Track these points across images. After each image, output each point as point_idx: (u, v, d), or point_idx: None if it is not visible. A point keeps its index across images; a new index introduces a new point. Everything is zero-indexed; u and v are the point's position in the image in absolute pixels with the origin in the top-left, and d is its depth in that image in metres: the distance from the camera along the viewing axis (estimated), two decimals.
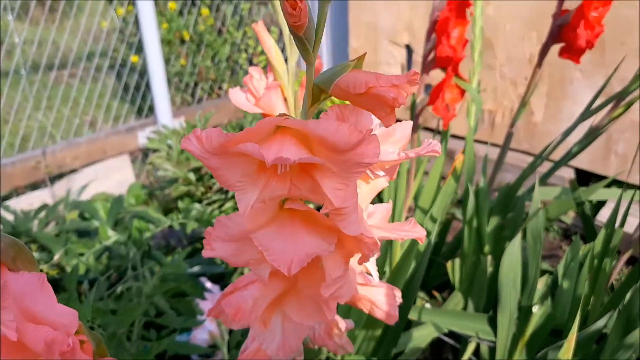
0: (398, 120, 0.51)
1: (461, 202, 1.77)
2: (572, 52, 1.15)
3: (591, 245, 1.09)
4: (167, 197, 1.93)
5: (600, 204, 2.16)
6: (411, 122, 0.51)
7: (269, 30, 3.42)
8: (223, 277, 1.44)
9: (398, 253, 1.41)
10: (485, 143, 2.68)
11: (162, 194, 1.95)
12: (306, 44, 0.44)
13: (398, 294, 0.63)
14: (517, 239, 1.06)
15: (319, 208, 0.46)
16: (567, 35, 1.13)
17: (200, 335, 1.32)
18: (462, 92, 1.25)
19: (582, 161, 2.46)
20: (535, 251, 1.11)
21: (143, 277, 1.12)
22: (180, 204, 1.73)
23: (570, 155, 1.27)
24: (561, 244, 2.28)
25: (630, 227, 1.69)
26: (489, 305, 1.32)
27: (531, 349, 1.21)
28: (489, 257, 1.24)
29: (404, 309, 0.83)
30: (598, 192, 1.38)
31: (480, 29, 1.31)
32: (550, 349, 1.16)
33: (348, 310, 0.83)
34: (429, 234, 1.44)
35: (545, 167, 2.22)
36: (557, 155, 1.95)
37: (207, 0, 2.94)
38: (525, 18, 2.55)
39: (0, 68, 2.54)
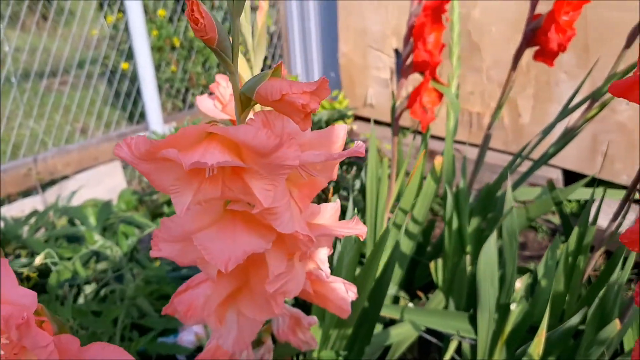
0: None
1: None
2: (546, 55, 1.18)
3: (566, 244, 1.11)
4: (155, 203, 1.95)
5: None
6: (346, 126, 0.54)
7: None
8: None
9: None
10: (476, 146, 2.70)
11: (151, 200, 1.97)
12: (222, 54, 0.47)
13: (353, 289, 0.65)
14: (493, 237, 1.08)
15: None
16: (540, 39, 1.16)
17: (187, 337, 1.34)
18: (440, 95, 1.28)
19: (569, 162, 2.49)
20: (512, 249, 1.14)
21: (127, 279, 1.15)
22: (167, 209, 1.75)
23: (547, 156, 1.30)
24: (549, 244, 2.30)
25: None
26: (470, 304, 1.34)
27: (511, 346, 1.24)
28: (468, 257, 1.27)
29: (374, 306, 0.85)
30: (577, 192, 1.41)
31: (458, 34, 1.34)
32: (528, 345, 1.19)
33: (323, 309, 0.85)
34: (411, 235, 1.46)
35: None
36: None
37: None
38: (510, 21, 2.58)
39: None
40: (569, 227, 1.34)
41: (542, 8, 1.26)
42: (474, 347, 1.33)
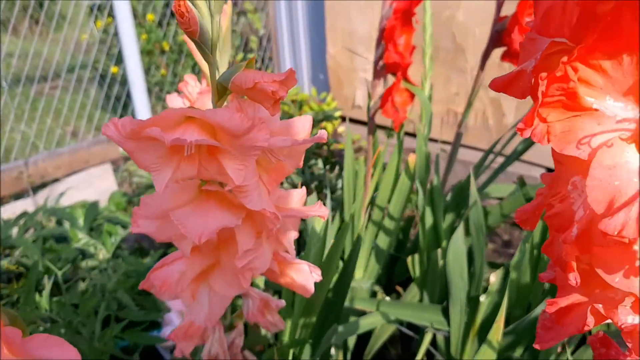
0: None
1: None
2: (511, 56, 1.22)
3: (531, 236, 1.16)
4: None
5: None
6: (310, 117, 0.59)
7: (247, 39, 3.49)
8: None
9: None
10: (462, 145, 2.75)
11: (139, 200, 2.01)
12: (202, 46, 0.52)
13: (317, 271, 0.70)
14: (459, 231, 1.13)
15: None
16: (505, 40, 1.20)
17: (170, 331, 1.38)
18: (412, 95, 1.33)
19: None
20: (479, 242, 1.18)
21: (109, 274, 1.19)
22: None
23: (516, 154, 1.35)
24: None
25: None
26: (443, 297, 1.38)
27: (482, 338, 1.28)
28: (439, 251, 1.31)
29: (338, 296, 0.90)
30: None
31: (430, 36, 1.39)
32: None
33: (293, 294, 0.90)
34: (388, 231, 1.51)
35: (517, 166, 2.30)
36: (529, 155, 2.02)
37: None
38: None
39: None
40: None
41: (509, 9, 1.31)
42: (448, 339, 1.37)
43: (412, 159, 1.34)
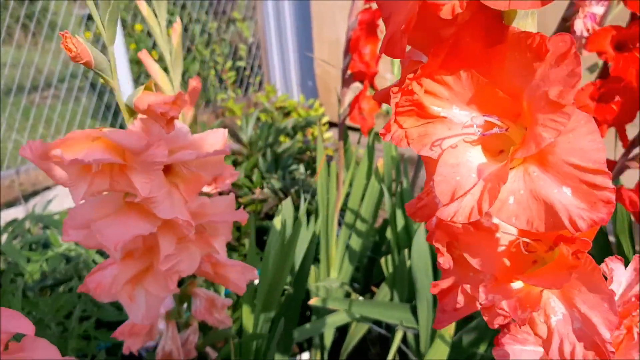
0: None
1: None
2: None
3: None
4: None
5: None
6: (223, 130, 0.64)
7: (237, 47, 3.55)
8: None
9: (334, 249, 1.53)
10: None
11: None
12: (101, 74, 0.57)
13: (253, 272, 0.75)
14: (421, 230, 1.18)
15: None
16: None
17: None
18: (379, 102, 1.38)
19: None
20: None
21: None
22: None
23: None
24: None
25: None
26: (412, 296, 1.43)
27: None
28: (406, 251, 1.36)
29: (297, 293, 0.95)
30: None
31: None
32: (463, 332, 1.28)
33: (254, 291, 0.95)
34: (360, 234, 1.56)
35: None
36: None
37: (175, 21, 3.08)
38: None
39: None
40: None
41: None
42: (417, 337, 1.42)
43: (380, 163, 1.40)
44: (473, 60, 0.35)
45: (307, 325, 1.15)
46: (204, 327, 0.98)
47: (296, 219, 1.51)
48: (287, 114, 3.16)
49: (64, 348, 1.03)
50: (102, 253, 1.55)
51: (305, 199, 1.96)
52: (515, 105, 0.35)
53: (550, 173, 0.33)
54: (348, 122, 1.46)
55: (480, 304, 0.39)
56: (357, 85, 1.42)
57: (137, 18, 3.02)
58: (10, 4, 2.60)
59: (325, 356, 1.56)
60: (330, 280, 1.38)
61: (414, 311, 1.38)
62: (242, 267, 0.74)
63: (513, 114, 0.35)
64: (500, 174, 0.33)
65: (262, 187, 1.89)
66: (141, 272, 0.67)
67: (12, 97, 2.68)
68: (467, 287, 0.41)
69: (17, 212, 2.51)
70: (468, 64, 0.35)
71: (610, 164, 1.00)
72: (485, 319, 0.39)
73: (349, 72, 1.37)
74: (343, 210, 1.61)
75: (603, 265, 0.48)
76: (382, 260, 1.59)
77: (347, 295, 1.60)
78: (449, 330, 1.00)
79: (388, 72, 3.28)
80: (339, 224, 1.61)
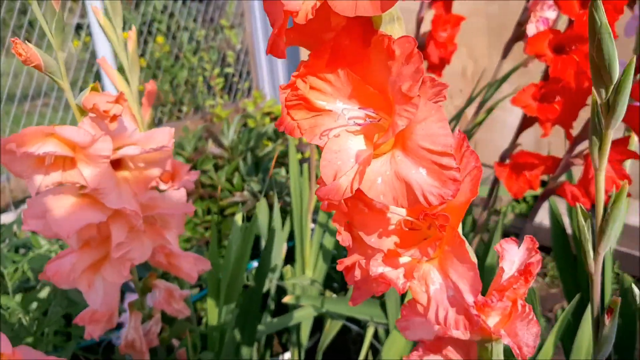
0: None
1: None
2: (432, 68, 1.34)
3: None
4: None
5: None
6: (168, 129, 0.69)
7: (225, 54, 3.61)
8: None
9: (308, 248, 1.58)
10: None
11: None
12: (52, 76, 0.62)
13: (205, 263, 0.80)
14: None
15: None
16: (424, 54, 1.32)
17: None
18: None
19: None
20: None
21: None
22: None
23: None
24: None
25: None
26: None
27: None
28: None
29: (258, 287, 1.00)
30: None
31: None
32: None
33: (217, 283, 0.99)
34: (334, 233, 1.61)
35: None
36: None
37: (163, 29, 3.14)
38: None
39: None
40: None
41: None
42: (388, 332, 1.46)
43: None
44: (354, 60, 0.41)
45: (275, 320, 1.20)
46: (171, 320, 1.03)
47: (271, 218, 1.57)
48: (274, 119, 3.22)
49: (40, 346, 1.07)
50: None
51: (284, 201, 2.01)
52: (385, 98, 0.40)
53: (410, 156, 0.38)
54: None
55: (373, 275, 0.44)
56: None
57: (126, 26, 3.08)
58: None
59: (302, 353, 1.61)
60: (302, 278, 1.43)
61: (384, 307, 1.43)
62: (194, 258, 0.80)
63: (387, 107, 0.40)
64: (368, 158, 0.38)
65: (242, 190, 1.94)
66: (98, 260, 0.72)
67: (2, 105, 2.73)
68: (363, 261, 0.46)
69: (8, 218, 2.56)
70: (349, 63, 0.41)
71: (557, 160, 1.05)
72: (378, 289, 0.44)
73: None
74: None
75: (497, 245, 0.53)
76: None
77: (322, 293, 1.64)
78: None
79: None
80: (314, 223, 1.65)
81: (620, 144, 0.98)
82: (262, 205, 1.44)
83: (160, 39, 3.09)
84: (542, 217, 2.10)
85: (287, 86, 0.40)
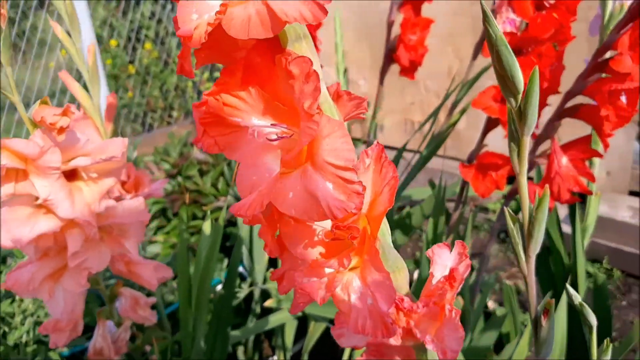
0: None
1: None
2: (403, 71, 1.35)
3: (425, 234, 1.27)
4: None
5: None
6: (122, 139, 0.70)
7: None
8: None
9: None
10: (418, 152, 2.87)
11: None
12: (4, 92, 0.63)
13: (167, 271, 0.81)
14: None
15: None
16: (395, 57, 1.33)
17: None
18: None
19: None
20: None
21: None
22: None
23: (422, 159, 1.46)
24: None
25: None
26: None
27: None
28: None
29: (228, 293, 1.01)
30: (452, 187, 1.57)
31: (342, 54, 1.51)
32: None
33: (188, 291, 1.00)
34: None
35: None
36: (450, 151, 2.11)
37: (152, 35, 3.16)
38: (441, 35, 2.76)
39: None
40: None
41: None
42: None
43: None
44: (266, 77, 0.42)
45: (250, 325, 1.21)
46: (144, 328, 1.04)
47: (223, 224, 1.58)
48: None
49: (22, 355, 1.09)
50: None
51: None
52: (296, 115, 0.41)
53: (318, 171, 0.39)
54: None
55: (296, 285, 0.46)
56: None
57: (114, 33, 3.10)
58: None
59: (288, 356, 1.62)
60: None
61: None
62: (154, 265, 0.81)
63: (298, 123, 0.42)
64: (277, 175, 0.39)
65: (227, 195, 1.95)
66: (58, 270, 0.74)
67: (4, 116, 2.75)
68: (292, 272, 0.47)
69: None
70: (262, 81, 0.42)
71: None
72: (300, 300, 0.46)
73: None
74: None
75: (429, 251, 0.54)
76: None
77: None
78: None
79: (361, 78, 3.35)
80: None
81: (583, 143, 0.99)
82: None
83: (148, 45, 3.11)
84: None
85: (200, 104, 0.42)
